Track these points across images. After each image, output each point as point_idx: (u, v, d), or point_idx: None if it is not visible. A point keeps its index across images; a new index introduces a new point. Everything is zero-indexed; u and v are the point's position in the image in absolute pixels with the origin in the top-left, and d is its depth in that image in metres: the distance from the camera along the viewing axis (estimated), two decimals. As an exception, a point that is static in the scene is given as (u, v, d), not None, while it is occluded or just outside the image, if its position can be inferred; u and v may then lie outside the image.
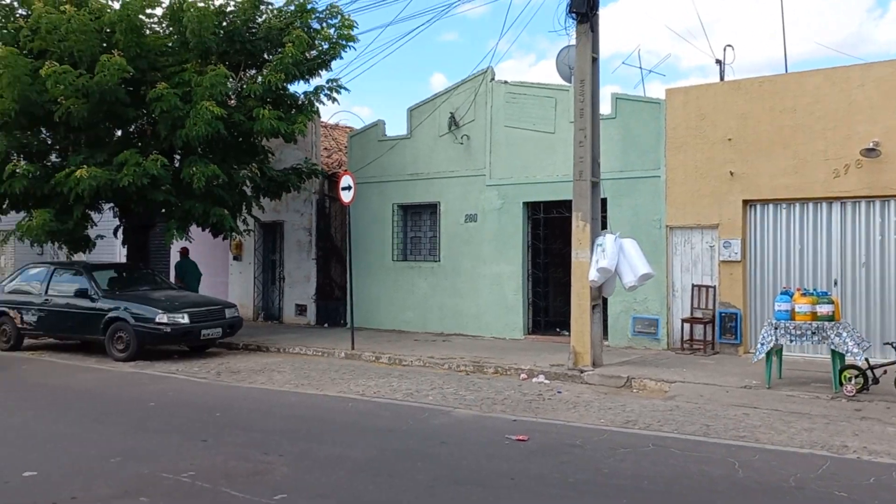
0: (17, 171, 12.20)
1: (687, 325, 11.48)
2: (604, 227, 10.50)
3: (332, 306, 15.94)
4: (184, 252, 15.52)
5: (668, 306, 11.83)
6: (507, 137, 13.33)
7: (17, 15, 12.87)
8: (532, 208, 13.33)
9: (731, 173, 11.21)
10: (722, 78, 12.62)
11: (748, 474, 5.58)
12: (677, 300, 11.81)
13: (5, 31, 12.71)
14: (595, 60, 10.11)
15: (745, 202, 11.26)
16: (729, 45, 12.63)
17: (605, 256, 9.52)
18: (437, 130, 14.15)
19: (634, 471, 5.70)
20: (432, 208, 14.47)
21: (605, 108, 11.08)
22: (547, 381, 9.62)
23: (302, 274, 16.32)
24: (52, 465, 5.86)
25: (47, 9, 11.79)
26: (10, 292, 13.25)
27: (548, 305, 13.83)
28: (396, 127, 15.23)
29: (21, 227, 12.54)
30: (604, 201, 10.82)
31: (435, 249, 14.44)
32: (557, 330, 13.16)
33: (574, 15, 10.04)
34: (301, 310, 16.29)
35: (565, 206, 12.06)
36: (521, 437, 6.64)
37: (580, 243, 10.00)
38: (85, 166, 11.55)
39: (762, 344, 8.75)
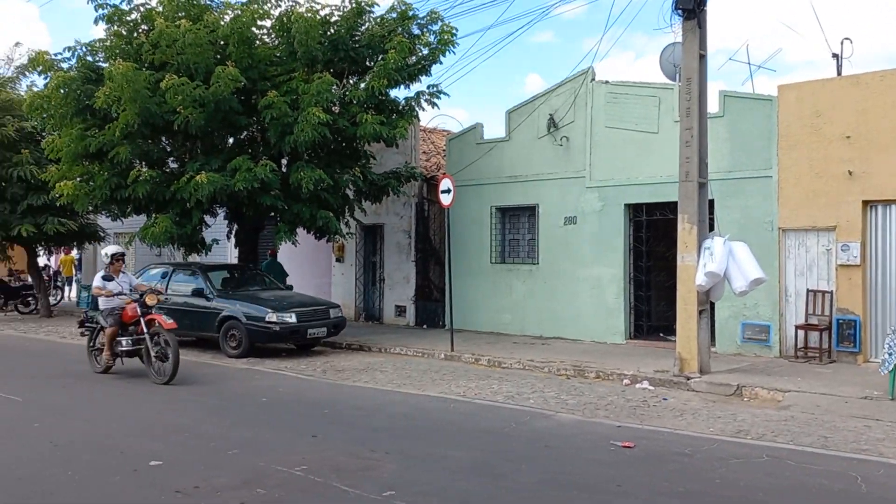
0: (141, 177, 12.98)
1: (801, 332, 10.95)
2: (711, 229, 10.14)
3: (431, 307, 16.14)
4: (272, 253, 16.22)
5: (781, 312, 11.31)
6: (607, 138, 13.12)
7: (140, 30, 13.69)
8: (634, 210, 13.06)
9: (850, 172, 10.61)
10: (839, 73, 11.96)
11: (872, 490, 5.28)
12: (790, 306, 11.29)
13: (128, 46, 13.54)
14: (703, 57, 9.80)
15: (865, 203, 10.63)
16: (847, 39, 11.94)
17: (714, 260, 9.22)
18: (536, 132, 14.09)
19: (748, 482, 5.50)
20: (530, 210, 14.42)
21: (711, 106, 10.72)
22: (651, 388, 9.41)
23: (401, 275, 16.61)
24: (175, 455, 6.22)
25: (167, 24, 12.51)
26: (132, 291, 14.11)
27: (650, 309, 13.51)
28: (492, 129, 15.31)
29: (144, 231, 13.31)
30: (711, 203, 10.46)
31: (533, 252, 14.38)
32: (661, 335, 12.84)
33: (680, 11, 9.77)
34: (400, 311, 16.58)
35: (669, 207, 11.77)
36: (626, 444, 6.52)
37: (686, 246, 9.72)
38: (204, 172, 12.16)
39: (890, 354, 8.23)
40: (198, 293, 12.89)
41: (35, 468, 5.84)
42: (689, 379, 9.41)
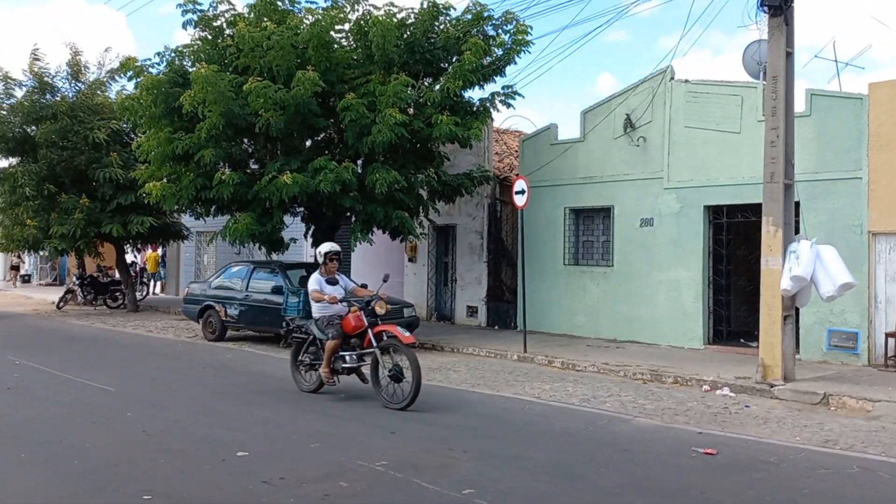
0: (224, 178, 13.43)
1: (892, 340, 10.48)
2: (796, 232, 9.81)
3: (503, 308, 16.14)
4: None
5: (870, 319, 10.85)
6: (686, 138, 12.86)
7: (225, 35, 14.15)
8: (714, 212, 12.75)
9: (948, 173, 10.10)
10: (937, 68, 11.38)
11: (977, 508, 5.02)
12: (880, 312, 10.81)
13: (213, 51, 14.02)
14: (789, 55, 9.49)
15: (966, 206, 10.11)
16: (946, 32, 11.35)
17: (800, 264, 8.92)
18: (612, 133, 13.92)
19: (838, 493, 5.32)
20: (605, 212, 14.25)
21: (798, 104, 10.37)
22: (732, 394, 9.17)
23: (473, 276, 16.66)
24: (260, 447, 6.42)
25: (250, 28, 12.91)
26: (215, 288, 14.62)
27: (730, 314, 13.16)
28: (564, 130, 15.21)
29: (227, 230, 13.75)
30: (796, 205, 10.11)
31: (608, 254, 14.21)
32: (741, 340, 12.50)
33: (766, 8, 9.51)
34: (472, 311, 16.64)
35: (751, 209, 11.45)
36: (708, 451, 6.38)
37: (770, 250, 9.43)
38: (289, 172, 12.48)
39: None
40: (277, 290, 13.25)
41: (130, 455, 6.13)
42: (772, 386, 9.13)
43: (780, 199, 9.39)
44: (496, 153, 17.76)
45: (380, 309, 8.31)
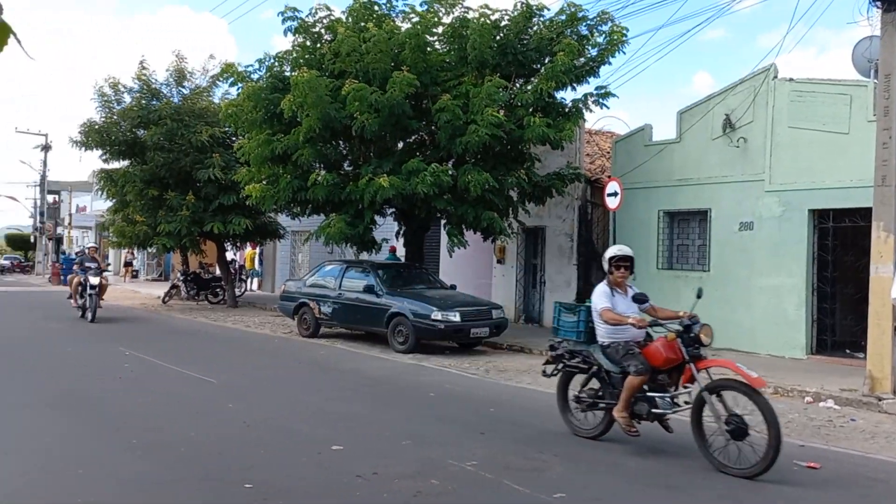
0: (319, 179, 13.83)
1: None
2: (911, 238, 9.24)
3: (593, 312, 15.89)
4: (392, 250, 16.76)
5: None
6: (790, 139, 12.32)
7: (323, 41, 14.58)
8: (819, 216, 12.16)
9: None
10: None
11: None
12: None
13: (311, 56, 14.46)
14: (905, 51, 8.95)
15: None
16: None
17: (915, 272, 8.40)
18: (710, 133, 13.50)
19: (958, 518, 4.98)
20: (702, 215, 13.83)
21: (914, 103, 9.73)
22: (837, 407, 8.73)
23: (562, 279, 16.50)
24: (353, 442, 6.58)
25: (348, 33, 13.24)
26: (309, 286, 15.06)
27: (835, 323, 12.52)
28: (659, 130, 14.88)
29: (321, 230, 14.15)
30: (911, 209, 9.52)
31: (704, 258, 13.78)
32: (847, 351, 11.87)
33: (878, 3, 9.00)
34: (561, 314, 16.45)
35: (860, 214, 10.88)
36: (811, 464, 6.11)
37: (881, 257, 8.93)
38: (385, 175, 12.74)
39: None
40: (368, 290, 13.53)
41: (232, 445, 6.41)
42: (880, 400, 8.64)
43: (891, 203, 8.87)
44: (587, 154, 17.53)
45: (706, 338, 6.34)
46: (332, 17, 14.46)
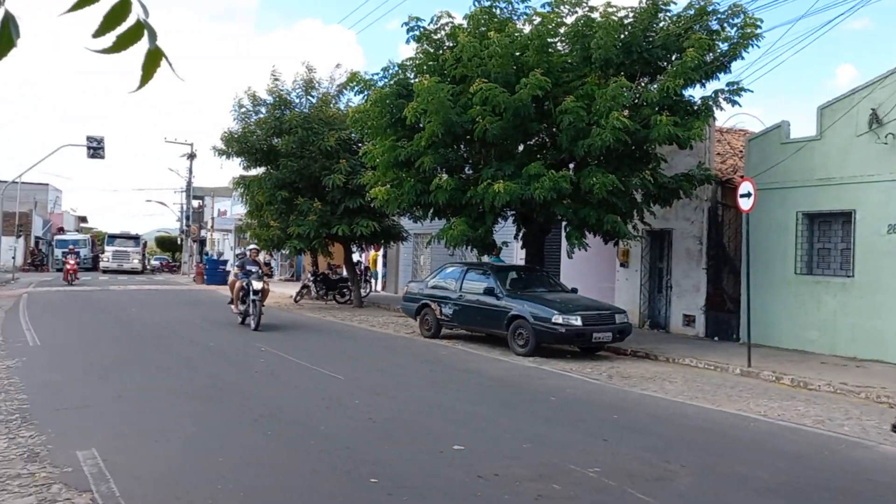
0: (441, 184, 14.04)
1: None
2: None
3: (723, 319, 15.24)
4: (496, 253, 16.73)
5: None
6: (948, 134, 11.30)
7: (445, 47, 14.80)
8: (982, 217, 11.09)
9: None
10: None
11: None
12: None
13: (434, 63, 14.71)
14: None
15: None
16: None
17: None
18: (854, 130, 12.61)
19: None
20: (845, 217, 12.94)
21: None
22: None
23: (690, 283, 15.91)
24: (474, 442, 6.63)
25: (469, 38, 13.37)
26: (431, 287, 15.31)
27: None
28: (797, 128, 14.05)
29: (443, 233, 14.36)
30: None
31: (847, 263, 12.88)
32: None
33: None
34: (689, 320, 15.89)
35: None
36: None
37: None
38: (501, 181, 12.77)
39: None
40: (489, 292, 13.57)
41: (360, 440, 6.62)
42: None
43: None
44: (718, 154, 16.82)
45: None
46: (454, 24, 14.64)
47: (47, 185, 65.71)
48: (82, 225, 76.50)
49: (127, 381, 9.31)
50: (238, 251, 26.07)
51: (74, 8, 1.77)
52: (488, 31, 13.25)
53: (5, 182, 39.73)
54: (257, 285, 15.30)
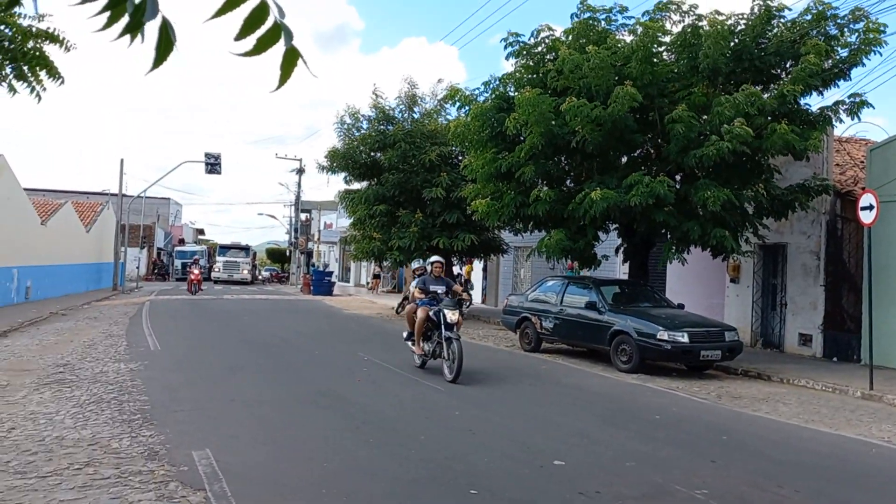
0: (541, 195, 13.97)
1: None
2: None
3: (843, 338, 14.36)
4: (570, 267, 16.23)
5: None
6: None
7: (546, 60, 14.77)
8: None
9: None
10: None
11: None
12: None
13: (534, 76, 14.70)
14: None
15: None
16: None
17: None
18: None
19: None
20: (982, 231, 11.95)
21: None
22: None
23: (807, 301, 15.08)
24: (575, 458, 6.53)
25: (570, 51, 13.29)
26: (531, 301, 15.22)
27: None
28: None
29: (541, 244, 14.27)
30: None
31: None
32: None
33: None
34: (805, 339, 15.06)
35: None
36: None
37: None
38: (598, 189, 12.61)
39: None
40: (590, 306, 13.35)
41: (460, 451, 6.65)
42: None
43: None
44: (837, 164, 15.93)
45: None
46: (555, 36, 14.60)
47: (169, 199, 69.99)
48: (199, 237, 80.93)
49: (239, 385, 9.75)
50: (415, 264, 21.00)
51: (218, 14, 1.86)
52: (588, 44, 13.11)
53: (131, 196, 42.56)
54: (452, 317, 10.88)
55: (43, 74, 6.27)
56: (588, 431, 7.70)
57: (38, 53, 6.10)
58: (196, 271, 33.47)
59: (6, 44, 5.74)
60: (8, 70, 6.00)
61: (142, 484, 5.41)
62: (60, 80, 6.43)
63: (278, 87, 1.97)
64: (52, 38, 6.21)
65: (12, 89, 6.13)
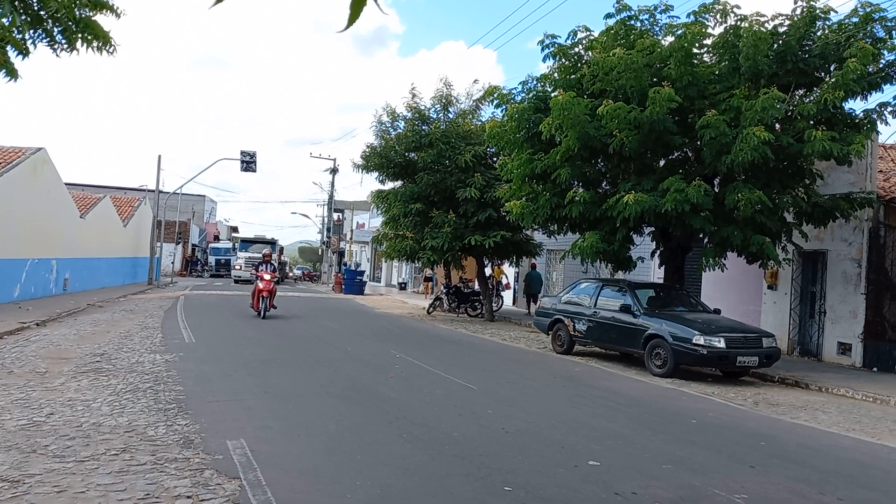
0: (576, 197, 13.85)
1: None
2: None
3: (884, 348, 14.02)
4: (532, 266, 15.95)
5: None
6: None
7: (583, 62, 14.64)
8: None
9: None
10: None
11: None
12: None
13: (571, 77, 14.58)
14: None
15: None
16: None
17: None
18: None
19: None
20: None
21: None
22: None
23: (846, 309, 14.75)
24: (610, 459, 6.45)
25: (604, 54, 13.15)
26: (565, 303, 15.11)
27: None
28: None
29: (575, 246, 14.15)
30: None
31: None
32: None
33: None
34: (844, 348, 14.73)
35: None
36: None
37: None
38: (633, 192, 12.46)
39: None
40: (625, 309, 13.21)
41: (493, 449, 6.61)
42: None
43: None
44: (881, 171, 15.58)
45: None
46: (592, 38, 14.48)
47: (204, 196, 70.97)
48: (234, 234, 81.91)
49: (273, 378, 9.82)
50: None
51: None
52: (618, 49, 12.95)
53: (167, 192, 43.22)
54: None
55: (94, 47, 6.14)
56: (623, 434, 7.60)
57: (88, 19, 5.98)
58: (267, 277, 19.43)
59: (54, 10, 5.64)
60: (59, 38, 5.92)
61: (177, 471, 5.47)
62: (113, 49, 6.29)
63: (347, 27, 1.98)
64: (103, 4, 6.11)
65: (73, 47, 5.93)
